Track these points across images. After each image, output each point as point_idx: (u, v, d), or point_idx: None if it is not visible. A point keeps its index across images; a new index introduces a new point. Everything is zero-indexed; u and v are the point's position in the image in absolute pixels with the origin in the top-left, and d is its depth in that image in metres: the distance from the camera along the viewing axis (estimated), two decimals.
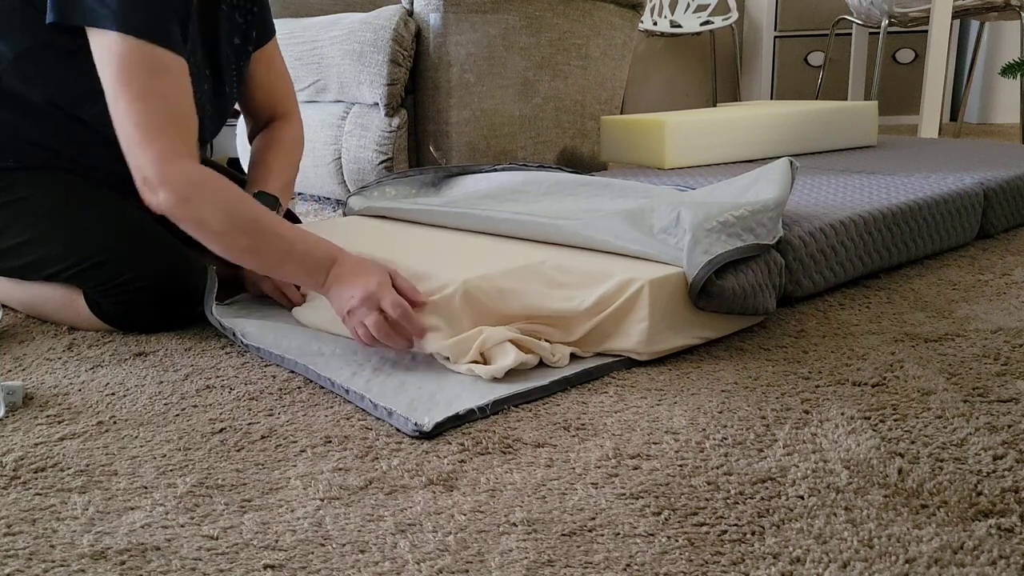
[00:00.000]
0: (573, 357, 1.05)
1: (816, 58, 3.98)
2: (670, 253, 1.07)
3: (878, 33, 3.15)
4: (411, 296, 1.03)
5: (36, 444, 0.87)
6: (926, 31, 2.82)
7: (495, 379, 0.98)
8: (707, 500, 0.73)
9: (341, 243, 1.15)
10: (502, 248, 1.21)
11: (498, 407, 0.92)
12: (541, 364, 1.03)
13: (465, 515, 0.71)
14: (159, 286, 1.20)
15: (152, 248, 1.21)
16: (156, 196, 1.06)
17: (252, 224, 1.06)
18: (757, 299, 1.10)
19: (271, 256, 1.06)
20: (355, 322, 1.02)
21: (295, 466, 0.81)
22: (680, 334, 1.06)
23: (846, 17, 3.33)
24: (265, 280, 1.28)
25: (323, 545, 0.68)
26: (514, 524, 0.70)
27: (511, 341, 1.02)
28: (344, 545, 0.68)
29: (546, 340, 1.04)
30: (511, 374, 0.99)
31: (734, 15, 3.85)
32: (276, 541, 0.68)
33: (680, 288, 1.05)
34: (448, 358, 1.02)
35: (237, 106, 1.45)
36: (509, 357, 0.99)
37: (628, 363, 1.04)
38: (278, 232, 1.06)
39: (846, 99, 3.70)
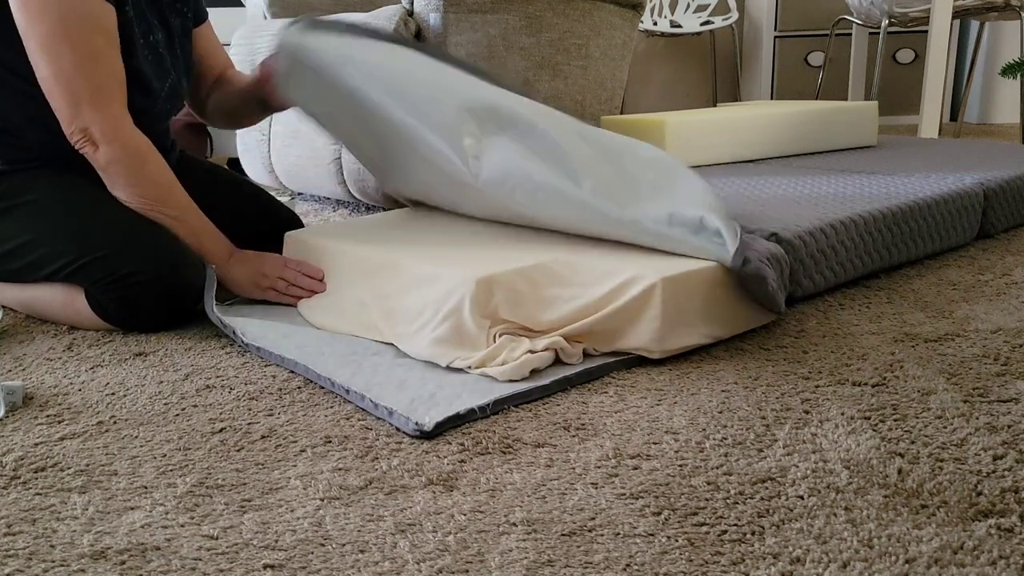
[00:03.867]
0: (585, 355, 1.05)
1: (816, 58, 3.97)
2: (715, 251, 1.08)
3: (878, 33, 3.15)
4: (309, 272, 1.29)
5: (36, 444, 0.87)
6: (926, 31, 2.82)
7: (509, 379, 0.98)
8: (707, 500, 0.73)
9: (354, 243, 1.16)
10: (514, 242, 1.20)
11: (498, 407, 0.92)
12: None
13: (465, 515, 0.71)
14: (159, 280, 1.19)
15: (152, 242, 1.21)
16: (95, 149, 1.20)
17: (168, 204, 1.25)
18: (778, 294, 1.12)
19: (177, 230, 1.26)
20: (263, 293, 1.29)
21: (295, 466, 0.81)
22: (692, 332, 1.06)
23: (846, 17, 3.33)
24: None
25: (323, 545, 0.68)
26: (514, 524, 0.70)
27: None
28: (344, 545, 0.68)
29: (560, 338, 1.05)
30: None
31: (734, 15, 3.85)
32: (276, 541, 0.68)
33: (692, 285, 1.05)
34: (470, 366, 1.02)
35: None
36: (524, 352, 1.01)
37: (628, 363, 1.04)
38: (187, 221, 1.26)
39: (846, 99, 3.70)
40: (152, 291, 1.20)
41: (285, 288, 1.28)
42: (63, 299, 1.24)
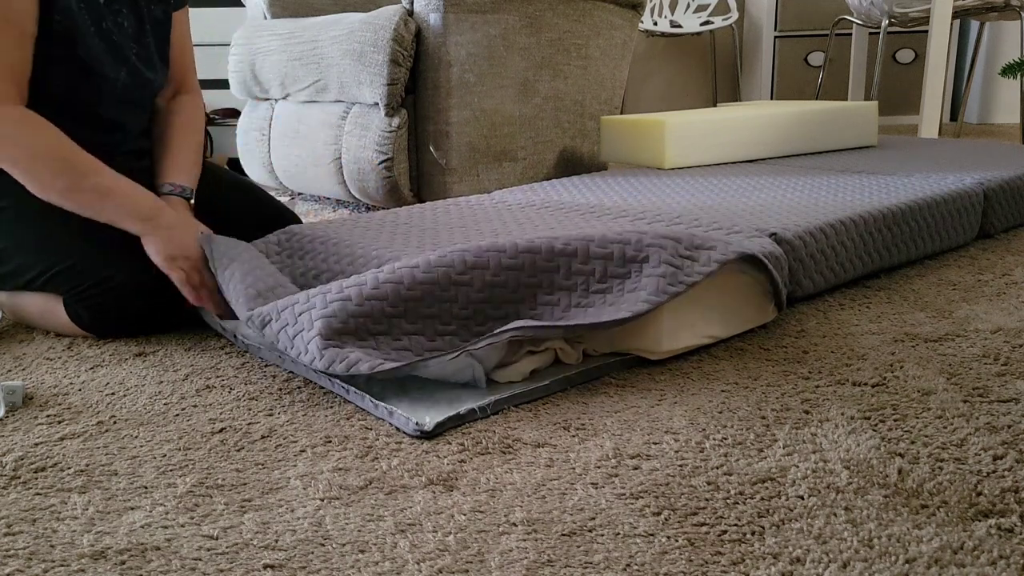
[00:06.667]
0: (585, 355, 1.05)
1: (816, 58, 3.97)
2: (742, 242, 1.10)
3: (878, 33, 3.15)
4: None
5: (36, 444, 0.87)
6: (926, 31, 2.82)
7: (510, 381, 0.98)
8: (707, 500, 0.73)
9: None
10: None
11: (498, 407, 0.92)
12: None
13: (465, 515, 0.71)
14: (126, 287, 1.18)
15: (124, 251, 1.19)
16: None
17: (68, 166, 1.16)
18: (783, 292, 1.15)
19: (88, 199, 1.17)
20: (169, 269, 1.18)
21: (295, 466, 0.81)
22: (692, 332, 1.06)
23: (846, 17, 3.33)
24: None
25: (323, 545, 0.68)
26: (514, 524, 0.70)
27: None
28: (344, 545, 0.68)
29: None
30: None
31: (734, 15, 3.85)
32: (276, 541, 0.68)
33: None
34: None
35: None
36: (524, 352, 1.00)
37: (628, 363, 1.04)
38: (98, 177, 1.18)
39: (846, 99, 3.70)
40: (125, 300, 1.18)
41: (180, 280, 1.18)
42: (42, 307, 1.23)
